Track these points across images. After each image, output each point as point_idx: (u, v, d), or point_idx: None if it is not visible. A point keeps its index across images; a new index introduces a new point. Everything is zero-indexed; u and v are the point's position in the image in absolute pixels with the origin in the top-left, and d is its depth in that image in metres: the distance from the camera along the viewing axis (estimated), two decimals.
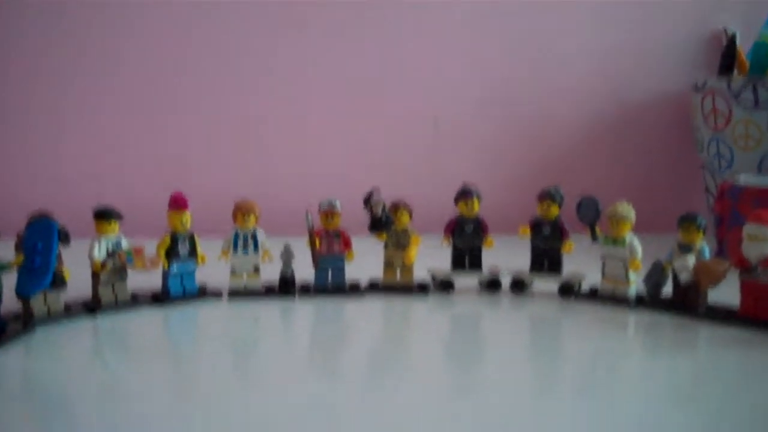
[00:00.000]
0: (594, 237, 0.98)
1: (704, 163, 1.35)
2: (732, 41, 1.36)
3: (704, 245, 0.91)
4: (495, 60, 1.50)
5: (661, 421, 0.60)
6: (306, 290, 0.99)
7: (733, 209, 1.08)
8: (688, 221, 0.91)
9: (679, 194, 1.54)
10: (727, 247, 1.08)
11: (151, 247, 0.93)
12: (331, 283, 1.00)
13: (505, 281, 1.02)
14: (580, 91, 1.52)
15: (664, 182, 1.56)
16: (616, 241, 0.96)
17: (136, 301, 0.93)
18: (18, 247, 0.82)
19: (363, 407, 0.63)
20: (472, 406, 0.63)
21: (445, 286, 1.01)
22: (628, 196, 1.00)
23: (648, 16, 1.51)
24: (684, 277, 0.89)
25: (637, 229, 0.96)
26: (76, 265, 0.89)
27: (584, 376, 0.72)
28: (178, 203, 0.95)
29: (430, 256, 1.03)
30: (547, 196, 1.00)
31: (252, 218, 0.98)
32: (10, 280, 0.80)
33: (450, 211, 1.02)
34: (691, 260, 0.88)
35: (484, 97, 1.50)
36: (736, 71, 1.35)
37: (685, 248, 0.91)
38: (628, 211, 0.95)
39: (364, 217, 0.98)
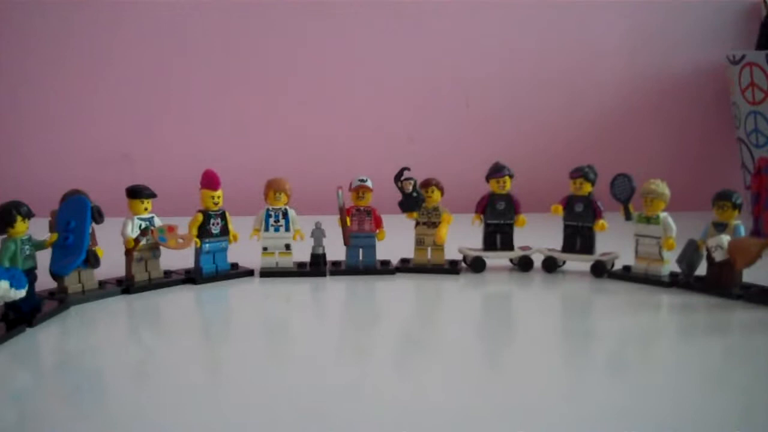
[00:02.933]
0: (627, 215, 0.97)
1: (741, 138, 1.32)
2: None
3: (739, 223, 0.89)
4: (526, 36, 1.48)
5: (693, 402, 0.59)
6: (337, 268, 0.99)
7: None
8: (723, 199, 0.90)
9: (715, 171, 1.52)
10: (763, 225, 1.06)
11: (184, 225, 0.94)
12: (363, 262, 1.00)
13: (537, 260, 1.02)
14: (613, 66, 1.50)
15: (699, 158, 1.54)
16: (650, 219, 0.95)
17: (168, 278, 0.94)
18: (52, 226, 0.83)
19: (394, 385, 0.63)
20: (503, 385, 0.63)
21: (476, 265, 1.01)
22: (663, 173, 0.99)
23: None
24: (718, 256, 0.87)
25: (672, 207, 0.95)
26: (110, 244, 0.90)
27: (616, 356, 0.72)
28: (210, 181, 0.95)
29: (461, 235, 1.03)
30: (580, 174, 0.99)
31: (283, 196, 0.98)
32: (45, 258, 0.81)
33: (482, 189, 1.02)
34: (725, 239, 0.87)
35: (516, 74, 1.49)
36: None
37: (720, 226, 0.90)
38: (662, 188, 0.94)
39: (395, 195, 0.98)
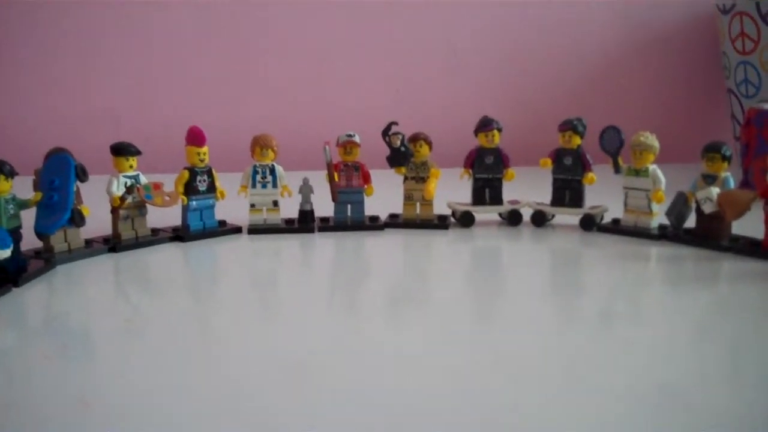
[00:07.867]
0: (617, 168, 0.97)
1: (731, 89, 1.32)
2: None
3: (729, 175, 0.89)
4: None
5: (681, 353, 0.60)
6: (326, 224, 0.99)
7: (759, 137, 1.05)
8: (712, 151, 0.89)
9: (705, 122, 1.52)
10: (752, 176, 1.06)
11: (170, 182, 0.93)
12: (351, 218, 0.99)
13: (526, 214, 1.02)
14: (602, 17, 1.49)
15: (688, 110, 1.53)
16: (639, 171, 0.94)
17: (156, 236, 0.93)
18: (36, 185, 0.82)
19: (383, 339, 0.63)
20: (492, 339, 0.63)
21: (465, 219, 1.00)
22: (652, 126, 0.98)
23: None
24: (708, 208, 0.87)
25: (661, 159, 0.95)
26: (96, 202, 0.89)
27: (605, 309, 0.72)
28: (196, 138, 0.94)
29: (450, 190, 1.02)
30: (569, 127, 0.98)
31: (270, 152, 0.97)
32: (30, 218, 0.80)
33: (470, 143, 1.01)
34: (715, 191, 0.87)
35: (504, 24, 1.47)
36: None
37: (710, 178, 0.89)
38: (651, 140, 0.94)
39: (384, 150, 0.97)
